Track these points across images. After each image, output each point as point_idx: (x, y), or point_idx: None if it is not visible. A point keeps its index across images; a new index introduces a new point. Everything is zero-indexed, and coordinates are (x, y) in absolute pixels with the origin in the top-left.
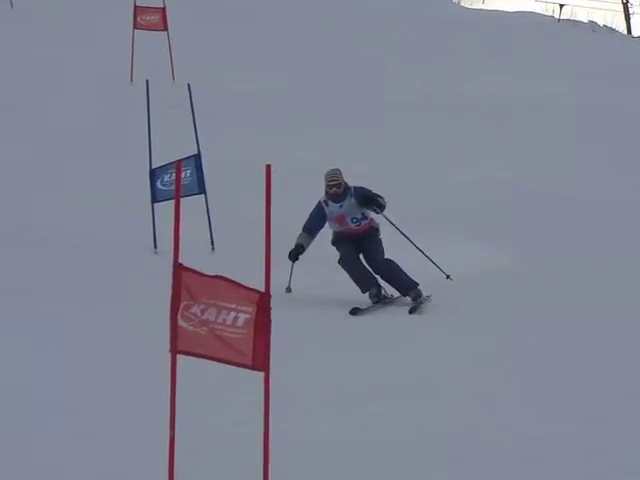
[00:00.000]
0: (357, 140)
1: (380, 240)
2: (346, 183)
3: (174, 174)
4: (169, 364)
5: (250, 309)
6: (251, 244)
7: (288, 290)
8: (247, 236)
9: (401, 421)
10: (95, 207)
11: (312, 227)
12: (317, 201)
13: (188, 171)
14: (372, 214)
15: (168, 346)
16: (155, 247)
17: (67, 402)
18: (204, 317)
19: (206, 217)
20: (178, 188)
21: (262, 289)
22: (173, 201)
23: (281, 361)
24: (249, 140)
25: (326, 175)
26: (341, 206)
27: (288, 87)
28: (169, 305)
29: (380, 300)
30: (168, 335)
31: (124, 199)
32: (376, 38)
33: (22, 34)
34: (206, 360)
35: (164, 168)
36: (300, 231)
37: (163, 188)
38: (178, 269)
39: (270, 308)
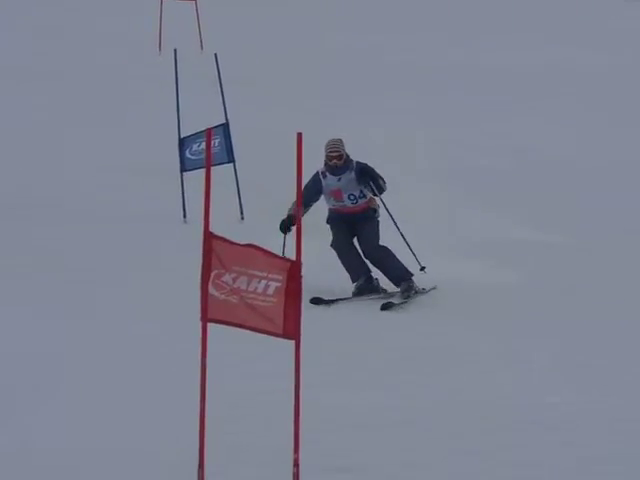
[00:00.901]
0: (387, 108)
1: (377, 223)
2: (348, 155)
3: (203, 143)
4: (200, 332)
5: (281, 277)
6: (281, 213)
7: None
8: (277, 205)
9: (432, 389)
10: (125, 177)
11: (306, 199)
12: (315, 171)
13: (217, 140)
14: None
15: (199, 315)
16: (184, 216)
17: (98, 368)
18: (235, 285)
19: (235, 186)
20: (209, 156)
21: (292, 257)
22: (202, 170)
23: (312, 329)
24: (278, 109)
25: (327, 145)
26: (339, 179)
27: (316, 57)
28: (199, 274)
29: (363, 292)
30: (199, 304)
31: (153, 169)
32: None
33: (53, 2)
34: (236, 328)
35: (193, 137)
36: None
37: (192, 157)
38: (208, 238)
39: (301, 276)
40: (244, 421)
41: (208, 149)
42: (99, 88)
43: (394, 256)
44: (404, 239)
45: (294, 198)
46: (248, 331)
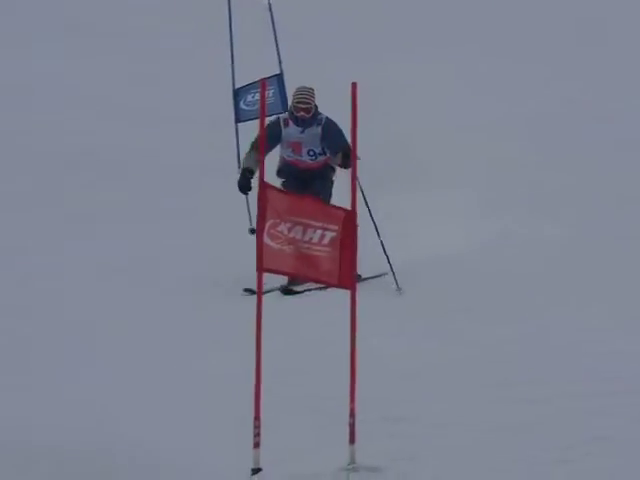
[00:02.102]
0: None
1: (331, 183)
2: (316, 107)
3: (257, 94)
4: (254, 282)
5: (336, 227)
6: None
7: (252, 232)
8: None
9: (485, 339)
10: (179, 128)
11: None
12: (276, 116)
13: (271, 91)
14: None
15: (254, 264)
16: (239, 167)
17: (154, 315)
18: (290, 235)
19: None
20: (263, 107)
21: (348, 207)
22: (257, 121)
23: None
24: (333, 59)
25: (295, 93)
26: (302, 132)
27: (373, 5)
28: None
29: (292, 283)
30: (253, 253)
31: (207, 120)
32: None
33: None
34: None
35: (247, 88)
36: (248, 149)
37: (246, 108)
38: (264, 187)
39: (357, 226)
40: (299, 372)
41: (262, 100)
42: (153, 42)
43: None
44: (377, 233)
45: (352, 148)
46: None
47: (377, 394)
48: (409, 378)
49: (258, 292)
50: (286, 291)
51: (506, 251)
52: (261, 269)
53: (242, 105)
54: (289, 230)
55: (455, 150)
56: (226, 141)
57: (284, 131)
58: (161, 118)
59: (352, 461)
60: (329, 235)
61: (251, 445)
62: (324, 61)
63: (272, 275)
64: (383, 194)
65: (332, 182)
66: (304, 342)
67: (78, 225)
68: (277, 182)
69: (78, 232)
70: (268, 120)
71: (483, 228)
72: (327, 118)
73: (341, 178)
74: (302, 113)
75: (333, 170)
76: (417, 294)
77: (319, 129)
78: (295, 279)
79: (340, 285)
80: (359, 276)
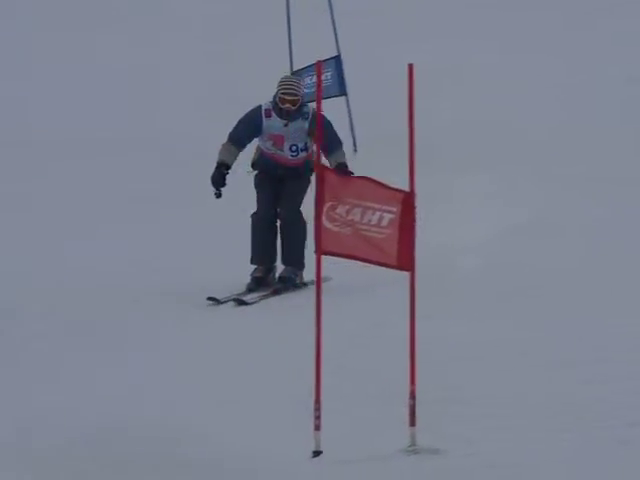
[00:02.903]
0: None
1: (307, 183)
2: (303, 98)
3: (315, 76)
4: (314, 266)
5: (395, 209)
6: (393, 145)
7: (217, 196)
8: (390, 137)
9: (547, 320)
10: (233, 111)
11: (242, 136)
12: (257, 105)
13: (328, 73)
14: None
15: (313, 247)
16: None
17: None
18: (349, 217)
19: (347, 119)
20: (319, 89)
21: (406, 189)
22: (313, 103)
23: (425, 262)
24: (390, 40)
25: (280, 83)
26: (286, 125)
27: None
28: (313, 206)
29: (260, 285)
30: (312, 236)
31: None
32: None
33: None
34: (348, 261)
35: (304, 70)
36: (225, 140)
37: (305, 90)
38: (321, 170)
39: (415, 208)
40: (359, 354)
41: (319, 82)
42: (208, 17)
43: (303, 238)
44: None
45: (402, 130)
46: (362, 263)
47: (438, 376)
48: (470, 360)
49: (317, 278)
50: (239, 302)
51: (559, 233)
52: (320, 252)
53: None
54: (347, 212)
55: (508, 134)
56: None
57: (265, 122)
58: (217, 101)
59: (412, 443)
60: (387, 217)
61: (311, 428)
62: (381, 42)
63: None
64: (430, 174)
65: (309, 182)
66: (363, 325)
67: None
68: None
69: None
70: (251, 111)
71: (532, 211)
72: (314, 110)
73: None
74: (288, 105)
75: (312, 170)
76: (472, 277)
77: (305, 123)
78: (248, 291)
79: (399, 267)
80: (305, 283)
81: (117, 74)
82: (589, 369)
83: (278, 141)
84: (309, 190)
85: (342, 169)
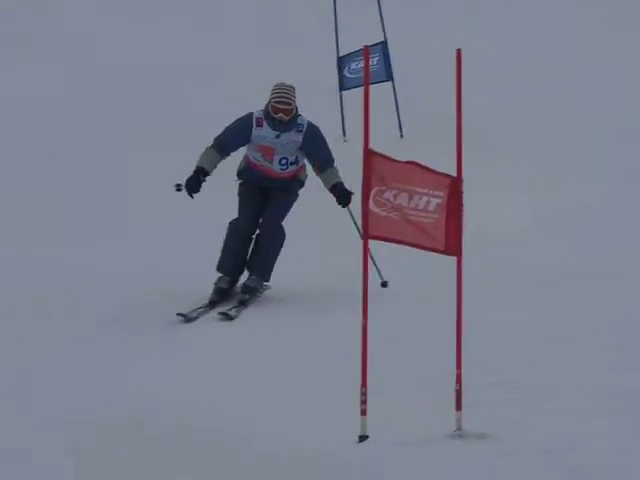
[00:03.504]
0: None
1: (293, 199)
2: (297, 109)
3: (361, 62)
4: (360, 251)
5: (442, 194)
6: (440, 130)
7: (177, 188)
8: (436, 123)
9: (593, 306)
10: None
11: (227, 144)
12: (248, 112)
13: (375, 58)
14: (306, 165)
15: (357, 232)
16: (344, 135)
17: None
18: (396, 202)
19: (394, 104)
20: (367, 74)
21: (453, 174)
22: (360, 89)
23: (469, 248)
24: (437, 26)
25: (274, 90)
26: (278, 136)
27: None
28: (360, 191)
29: (223, 297)
30: (360, 221)
31: (311, 88)
32: None
33: None
34: (396, 244)
35: (351, 56)
36: (209, 145)
37: (350, 76)
38: (369, 155)
39: (462, 193)
40: (406, 338)
41: (366, 67)
42: (254, 6)
43: (277, 252)
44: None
45: (448, 116)
46: (408, 248)
47: (484, 360)
48: (516, 344)
49: (365, 259)
50: (212, 306)
51: (601, 221)
52: (367, 236)
53: (346, 73)
54: (395, 197)
55: (554, 122)
56: (329, 109)
57: (255, 132)
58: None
59: (458, 427)
60: (435, 202)
61: (358, 412)
62: (427, 27)
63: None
64: (475, 159)
65: (297, 196)
66: (409, 310)
67: None
68: (235, 184)
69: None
70: (242, 118)
71: (574, 199)
72: (309, 123)
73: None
74: (281, 115)
75: (301, 184)
76: (517, 262)
77: (299, 136)
78: (211, 304)
79: (446, 252)
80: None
81: (176, 54)
82: (633, 356)
83: (267, 153)
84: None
85: (339, 190)
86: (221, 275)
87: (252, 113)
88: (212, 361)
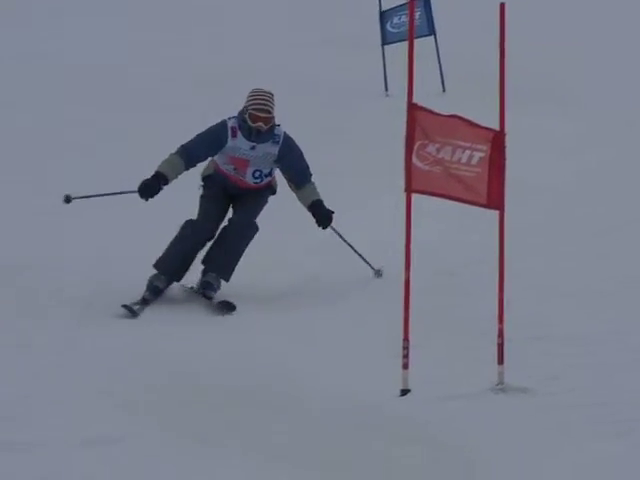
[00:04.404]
0: None
1: (265, 200)
2: (274, 118)
3: (404, 16)
4: (404, 204)
5: (485, 147)
6: (483, 84)
7: (66, 200)
8: (478, 77)
9: (630, 259)
10: (323, 50)
11: (197, 154)
12: (221, 120)
13: (417, 13)
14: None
15: (403, 186)
16: (386, 90)
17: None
18: (439, 156)
19: (436, 59)
20: (412, 28)
21: (496, 128)
22: (402, 43)
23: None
24: None
25: (252, 95)
26: (253, 148)
27: None
28: (403, 146)
29: (157, 295)
30: (402, 175)
31: (353, 42)
32: None
33: None
34: (438, 199)
35: (394, 10)
36: (174, 151)
37: (393, 30)
38: (412, 109)
39: (505, 147)
40: (448, 292)
41: (411, 20)
42: None
43: (242, 251)
44: (351, 247)
45: (491, 70)
46: (449, 202)
47: (526, 314)
48: (559, 298)
49: (407, 215)
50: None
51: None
52: (410, 190)
53: (389, 27)
54: (438, 151)
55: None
56: (371, 63)
57: (230, 141)
58: (307, 41)
59: (500, 381)
60: (477, 155)
61: (400, 366)
62: None
63: None
64: (524, 114)
65: (267, 200)
66: (451, 263)
67: None
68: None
69: None
70: (216, 127)
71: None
72: (285, 134)
73: None
74: (260, 124)
75: (273, 192)
76: (559, 216)
77: (275, 149)
78: (144, 301)
79: (489, 206)
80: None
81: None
82: None
83: (241, 166)
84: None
85: (319, 207)
86: (157, 273)
87: (225, 122)
88: (265, 333)
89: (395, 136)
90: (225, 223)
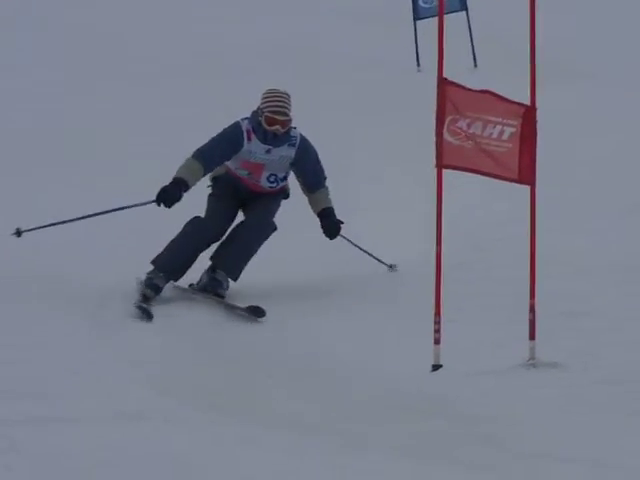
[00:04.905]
0: None
1: (278, 203)
2: (291, 121)
3: None
4: (434, 179)
5: (516, 123)
6: (514, 60)
7: (17, 233)
8: (509, 53)
9: None
10: (355, 24)
11: (214, 159)
12: (234, 123)
13: None
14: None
15: (432, 160)
16: (418, 65)
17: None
18: (470, 131)
19: (468, 34)
20: (442, 3)
21: (527, 103)
22: (435, 19)
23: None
24: None
25: (268, 98)
26: (269, 151)
27: None
28: (434, 121)
29: (151, 298)
30: (432, 149)
31: (385, 17)
32: None
33: None
34: (469, 174)
35: None
36: (190, 156)
37: (425, 5)
38: (443, 84)
39: (536, 122)
40: (478, 267)
41: None
42: None
43: (254, 249)
44: (359, 247)
45: (522, 46)
46: (480, 177)
47: (558, 289)
48: (591, 273)
49: (439, 191)
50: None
51: None
52: (441, 165)
53: (421, 3)
54: (468, 126)
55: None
56: (403, 39)
57: (246, 144)
58: (340, 16)
59: (532, 357)
60: (508, 131)
61: (432, 341)
62: None
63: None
64: (558, 90)
65: (279, 205)
66: (484, 238)
67: None
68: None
69: None
70: (230, 130)
71: None
72: (302, 136)
73: None
74: (277, 127)
75: (286, 196)
76: (593, 191)
77: (291, 152)
78: (144, 298)
79: (520, 181)
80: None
81: None
82: None
83: (256, 171)
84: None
85: (328, 216)
86: (154, 270)
87: (239, 123)
88: (295, 317)
89: (426, 111)
90: (235, 223)
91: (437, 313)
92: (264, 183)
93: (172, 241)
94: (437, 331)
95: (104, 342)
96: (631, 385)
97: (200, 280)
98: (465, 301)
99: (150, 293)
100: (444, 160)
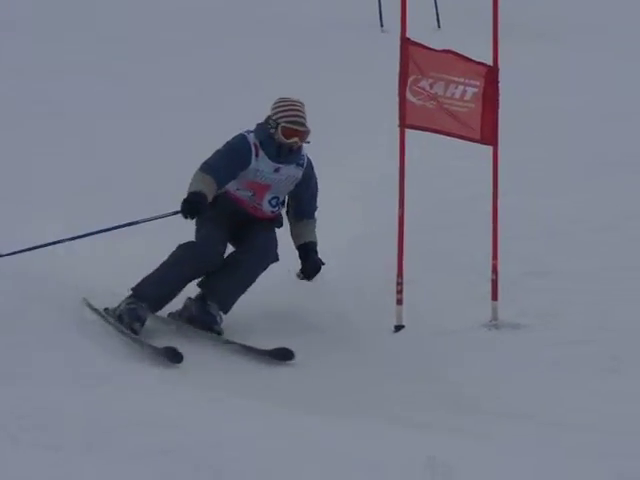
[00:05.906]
0: None
1: (274, 233)
2: (309, 132)
3: None
4: (397, 139)
5: (478, 83)
6: (477, 20)
7: None
8: (473, 13)
9: (636, 195)
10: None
11: (223, 173)
12: (239, 135)
13: None
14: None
15: (397, 121)
16: (381, 25)
17: None
18: (432, 91)
19: None
20: None
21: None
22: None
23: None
24: None
25: (283, 107)
26: (277, 170)
27: None
28: (397, 80)
29: (138, 331)
30: (396, 110)
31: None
32: None
33: None
34: (431, 133)
35: None
36: (198, 170)
37: None
38: (406, 44)
39: (498, 82)
40: (441, 228)
41: None
42: None
43: (252, 279)
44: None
45: (485, 5)
46: (443, 137)
47: (520, 250)
48: (553, 235)
49: (401, 150)
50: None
51: None
52: (404, 125)
53: None
54: (431, 86)
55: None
56: None
57: (253, 161)
58: None
59: (494, 318)
60: (471, 91)
61: (394, 302)
62: None
63: None
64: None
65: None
66: (445, 200)
67: None
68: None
69: None
70: (237, 143)
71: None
72: (308, 158)
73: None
74: (296, 139)
75: (280, 225)
76: (558, 148)
77: (299, 172)
78: (132, 331)
79: (482, 141)
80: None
81: None
82: None
83: (260, 192)
84: None
85: (311, 253)
86: (134, 299)
87: (245, 137)
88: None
89: (389, 71)
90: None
91: (399, 274)
92: (266, 207)
93: (160, 268)
94: (399, 292)
95: None
96: (593, 345)
97: (184, 309)
98: (428, 262)
99: (138, 326)
100: (407, 120)
